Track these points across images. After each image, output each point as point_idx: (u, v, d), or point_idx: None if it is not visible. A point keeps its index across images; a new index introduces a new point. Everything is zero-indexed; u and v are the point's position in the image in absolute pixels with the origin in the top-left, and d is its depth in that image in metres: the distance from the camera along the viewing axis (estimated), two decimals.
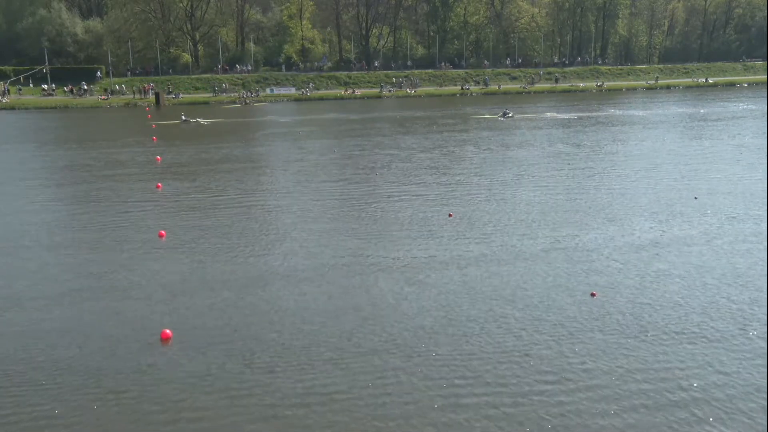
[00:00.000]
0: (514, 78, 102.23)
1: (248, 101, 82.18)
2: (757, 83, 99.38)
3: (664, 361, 12.80)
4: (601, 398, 11.50)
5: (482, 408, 11.28)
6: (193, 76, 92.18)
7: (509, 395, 11.65)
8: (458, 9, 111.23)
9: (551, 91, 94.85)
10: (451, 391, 11.84)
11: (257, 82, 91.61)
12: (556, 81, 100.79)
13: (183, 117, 59.43)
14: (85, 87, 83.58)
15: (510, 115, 59.21)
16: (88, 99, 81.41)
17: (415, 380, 12.21)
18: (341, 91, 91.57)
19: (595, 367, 12.57)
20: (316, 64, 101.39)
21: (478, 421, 10.93)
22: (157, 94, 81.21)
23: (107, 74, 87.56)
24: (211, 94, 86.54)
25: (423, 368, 12.62)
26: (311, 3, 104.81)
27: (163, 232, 22.06)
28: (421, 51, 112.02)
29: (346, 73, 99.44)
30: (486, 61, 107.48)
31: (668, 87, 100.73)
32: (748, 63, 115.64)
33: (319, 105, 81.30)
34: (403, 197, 27.06)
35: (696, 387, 11.85)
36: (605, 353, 13.10)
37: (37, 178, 33.72)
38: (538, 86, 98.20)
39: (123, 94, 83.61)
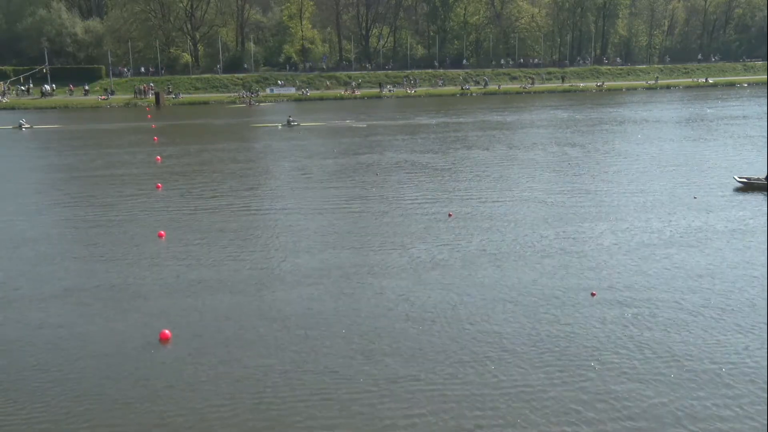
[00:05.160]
0: (514, 78, 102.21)
1: (252, 101, 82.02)
2: (757, 83, 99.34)
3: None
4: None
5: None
6: (193, 76, 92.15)
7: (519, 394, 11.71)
8: (458, 9, 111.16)
9: (551, 91, 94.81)
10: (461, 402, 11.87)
11: (257, 82, 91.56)
12: (563, 80, 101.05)
13: (21, 122, 55.86)
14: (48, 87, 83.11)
15: (295, 123, 55.03)
16: (89, 99, 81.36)
17: (420, 383, 12.24)
18: (341, 91, 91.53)
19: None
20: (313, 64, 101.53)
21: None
22: (157, 94, 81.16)
23: (107, 74, 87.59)
24: (212, 94, 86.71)
25: (426, 369, 12.66)
26: (311, 3, 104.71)
27: (162, 232, 22.07)
28: (421, 51, 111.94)
29: (346, 73, 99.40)
30: (492, 61, 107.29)
31: (668, 87, 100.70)
32: (748, 63, 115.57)
33: (318, 105, 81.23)
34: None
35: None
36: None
37: (37, 178, 33.74)
38: (538, 86, 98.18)
39: (113, 94, 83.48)
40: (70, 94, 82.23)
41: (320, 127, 54.60)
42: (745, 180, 27.71)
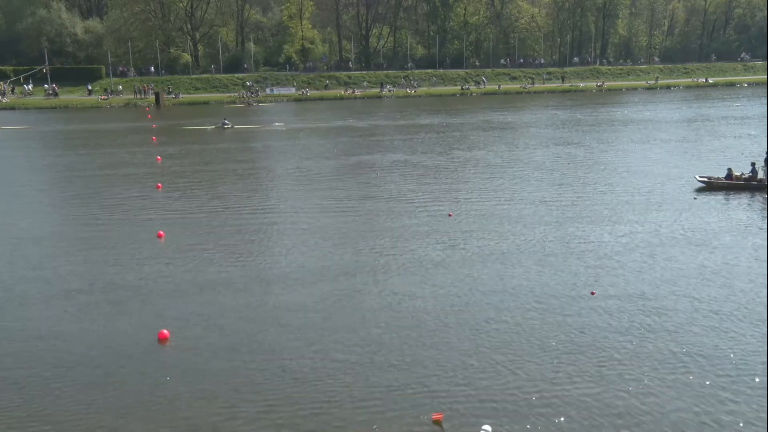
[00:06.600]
0: (514, 78, 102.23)
1: (251, 102, 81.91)
2: (757, 83, 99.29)
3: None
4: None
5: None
6: (193, 76, 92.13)
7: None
8: (458, 9, 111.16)
9: (551, 91, 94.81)
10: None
11: (257, 82, 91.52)
12: (563, 80, 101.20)
13: None
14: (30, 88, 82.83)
15: (228, 125, 53.34)
16: (89, 99, 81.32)
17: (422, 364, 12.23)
18: (341, 91, 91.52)
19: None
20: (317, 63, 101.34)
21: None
22: (157, 94, 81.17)
23: (107, 74, 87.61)
24: (212, 94, 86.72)
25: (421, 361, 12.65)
26: (311, 3, 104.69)
27: (162, 232, 22.05)
28: (421, 51, 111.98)
29: (346, 73, 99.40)
30: (491, 61, 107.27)
31: (668, 87, 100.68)
32: (749, 63, 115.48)
33: (318, 105, 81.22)
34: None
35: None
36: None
37: (38, 178, 33.74)
38: (538, 86, 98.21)
39: (118, 94, 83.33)
40: (55, 95, 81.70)
41: (255, 129, 53.52)
42: (705, 179, 28.11)
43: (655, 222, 22.66)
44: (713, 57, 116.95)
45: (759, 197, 26.50)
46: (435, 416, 10.79)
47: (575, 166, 34.18)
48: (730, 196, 26.69)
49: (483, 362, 12.84)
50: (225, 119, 55.06)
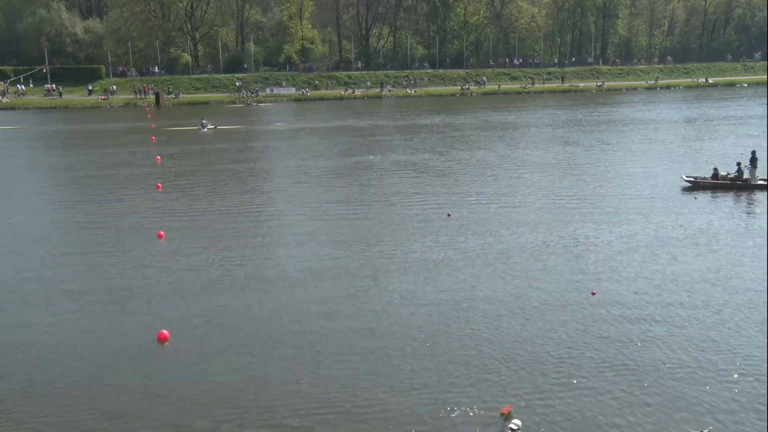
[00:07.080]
0: (514, 78, 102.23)
1: (250, 102, 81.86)
2: (757, 83, 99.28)
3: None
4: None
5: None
6: (193, 76, 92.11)
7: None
8: (458, 9, 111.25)
9: (551, 91, 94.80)
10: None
11: (257, 82, 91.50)
12: (563, 80, 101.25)
13: None
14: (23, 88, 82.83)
15: (212, 126, 52.69)
16: (89, 99, 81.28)
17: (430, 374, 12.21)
18: (341, 91, 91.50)
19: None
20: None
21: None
22: (157, 94, 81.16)
23: (107, 74, 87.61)
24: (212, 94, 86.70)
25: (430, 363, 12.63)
26: (311, 3, 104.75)
27: (162, 232, 22.02)
28: (421, 51, 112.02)
29: (346, 73, 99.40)
30: (491, 61, 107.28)
31: (668, 87, 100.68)
32: (748, 63, 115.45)
33: (318, 105, 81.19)
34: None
35: None
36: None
37: (37, 179, 33.70)
38: (538, 86, 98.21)
39: (113, 94, 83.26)
40: (59, 95, 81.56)
41: (245, 130, 53.36)
42: (692, 179, 28.35)
43: (654, 222, 22.64)
44: (729, 57, 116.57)
45: (745, 196, 26.79)
46: (503, 410, 10.67)
47: (575, 166, 34.17)
48: (718, 196, 26.87)
49: (484, 362, 12.81)
50: (203, 120, 54.33)
